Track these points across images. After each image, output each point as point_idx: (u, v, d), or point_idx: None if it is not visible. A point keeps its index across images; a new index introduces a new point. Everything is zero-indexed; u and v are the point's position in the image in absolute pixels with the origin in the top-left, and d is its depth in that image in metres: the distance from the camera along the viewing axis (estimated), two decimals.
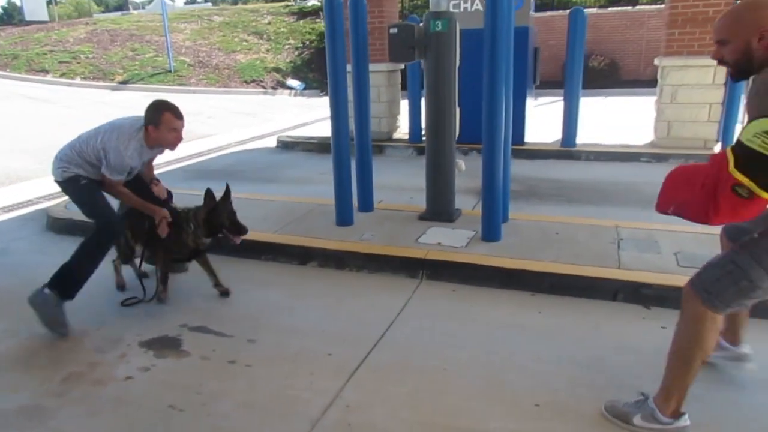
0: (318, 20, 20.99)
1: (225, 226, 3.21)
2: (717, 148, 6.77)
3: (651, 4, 17.31)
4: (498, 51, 3.56)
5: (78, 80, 16.19)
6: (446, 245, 3.84)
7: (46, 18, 25.58)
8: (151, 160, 3.44)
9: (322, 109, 13.10)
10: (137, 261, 3.56)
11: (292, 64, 18.76)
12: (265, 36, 20.48)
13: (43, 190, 6.04)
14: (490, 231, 3.89)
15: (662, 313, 3.06)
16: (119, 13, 31.13)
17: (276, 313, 3.23)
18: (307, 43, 19.85)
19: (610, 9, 17.55)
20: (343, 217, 4.34)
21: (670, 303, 3.10)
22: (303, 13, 22.24)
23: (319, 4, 22.51)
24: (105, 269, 3.59)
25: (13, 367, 2.76)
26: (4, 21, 30.40)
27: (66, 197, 4.40)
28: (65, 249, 4.34)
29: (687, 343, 2.00)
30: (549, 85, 12.24)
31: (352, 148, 4.37)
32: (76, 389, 2.53)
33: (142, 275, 3.57)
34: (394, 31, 4.06)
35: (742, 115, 6.68)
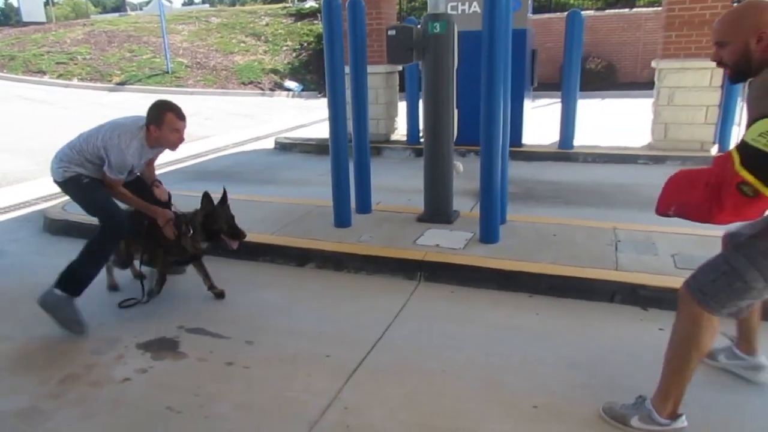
0: (316, 22, 21.01)
1: (223, 231, 3.19)
2: (714, 151, 6.80)
3: (648, 6, 17.39)
4: (496, 53, 3.57)
5: (75, 81, 16.16)
6: (444, 247, 3.84)
7: (43, 19, 25.55)
8: (152, 161, 3.43)
9: (319, 111, 13.11)
10: (135, 263, 3.55)
11: (289, 66, 18.76)
12: (262, 37, 20.48)
13: (40, 191, 6.03)
14: (488, 233, 3.90)
15: (660, 314, 3.07)
16: (117, 14, 31.08)
17: (274, 315, 3.23)
18: (305, 44, 19.86)
19: (607, 11, 17.62)
20: (341, 219, 4.34)
21: (668, 305, 3.10)
22: (301, 15, 22.26)
23: (316, 5, 22.54)
24: (101, 270, 3.59)
25: (9, 368, 2.75)
26: (1, 22, 30.36)
27: (63, 198, 4.38)
28: (62, 250, 4.35)
29: (683, 344, 2.00)
30: (546, 87, 12.26)
31: (350, 150, 4.37)
32: (73, 391, 2.52)
33: (139, 276, 3.56)
34: (392, 32, 4.06)
35: (738, 118, 6.73)
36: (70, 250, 4.30)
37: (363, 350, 2.79)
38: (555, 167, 6.91)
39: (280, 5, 25.25)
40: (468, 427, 2.21)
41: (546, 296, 3.34)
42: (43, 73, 16.51)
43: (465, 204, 4.88)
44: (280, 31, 20.97)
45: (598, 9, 18.03)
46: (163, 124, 3.02)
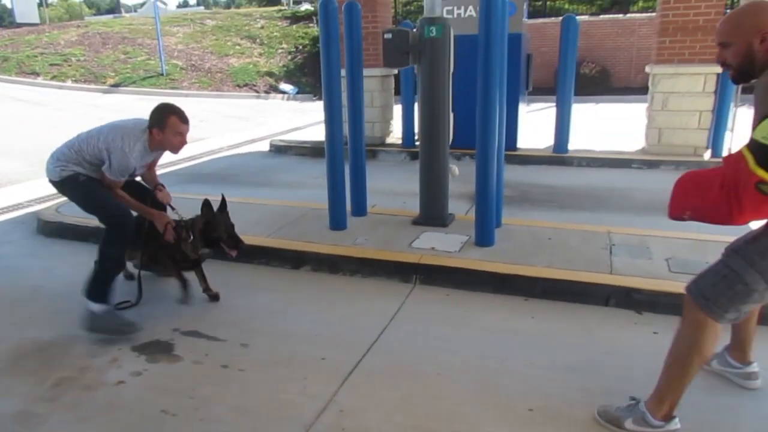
0: (311, 25, 21.03)
1: (222, 239, 3.18)
2: (707, 156, 6.84)
3: (642, 12, 17.50)
4: (492, 57, 3.59)
5: (69, 83, 16.11)
6: (440, 250, 3.84)
7: (36, 20, 25.45)
8: (153, 164, 3.41)
9: (315, 114, 13.10)
10: (128, 264, 3.53)
11: (285, 69, 18.76)
12: (258, 40, 20.48)
13: (33, 193, 6.00)
14: (484, 236, 3.91)
15: (654, 318, 3.08)
16: (111, 15, 31.02)
17: (269, 318, 3.22)
18: (300, 47, 19.87)
19: (601, 16, 17.72)
20: (337, 222, 4.34)
21: (662, 308, 3.13)
22: (296, 18, 22.28)
23: (312, 8, 22.58)
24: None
25: (2, 371, 2.73)
26: None
27: (57, 200, 4.35)
28: (55, 252, 4.35)
29: (686, 349, 2.01)
30: (541, 91, 12.29)
31: (345, 153, 4.37)
32: (68, 394, 2.50)
33: (131, 277, 3.54)
34: (388, 36, 4.07)
35: (731, 123, 6.78)
36: (63, 253, 4.33)
37: (358, 353, 2.79)
38: (550, 171, 6.93)
39: (276, 8, 25.26)
40: (464, 430, 2.21)
41: (541, 299, 3.34)
42: (37, 74, 16.45)
43: (460, 207, 4.89)
44: (275, 33, 20.98)
45: (592, 14, 18.13)
46: (167, 127, 3.00)
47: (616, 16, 17.50)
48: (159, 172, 3.47)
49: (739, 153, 1.68)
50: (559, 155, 7.32)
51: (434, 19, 4.05)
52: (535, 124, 8.99)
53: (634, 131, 8.08)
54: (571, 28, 7.06)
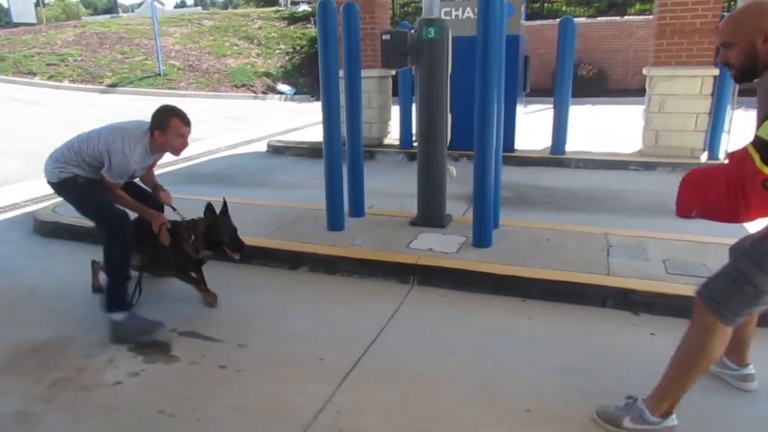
0: (309, 25, 21.03)
1: (225, 243, 3.17)
2: (704, 158, 6.87)
3: (639, 14, 17.55)
4: (490, 58, 3.59)
5: (66, 83, 16.06)
6: (437, 251, 3.85)
7: (33, 20, 25.38)
8: (152, 165, 3.40)
9: (312, 114, 13.10)
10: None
11: (282, 69, 18.76)
12: (255, 41, 20.47)
13: (30, 193, 5.98)
14: (481, 237, 3.91)
15: (651, 319, 3.09)
16: (108, 15, 30.97)
17: (266, 318, 3.22)
18: (298, 48, 19.87)
19: (599, 18, 17.77)
20: (335, 222, 4.34)
21: (659, 310, 3.14)
22: (294, 18, 22.28)
23: (309, 9, 22.57)
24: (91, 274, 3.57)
25: None
26: None
27: (54, 200, 4.33)
28: (52, 252, 4.34)
29: (693, 351, 2.01)
30: (538, 93, 12.33)
31: (343, 154, 4.37)
32: (64, 394, 2.50)
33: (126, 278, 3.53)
34: (386, 37, 4.08)
35: (727, 125, 6.81)
36: (60, 253, 4.32)
37: (356, 353, 2.79)
38: (547, 172, 6.94)
39: (273, 9, 25.26)
40: (461, 431, 2.21)
41: (538, 301, 3.35)
42: (34, 74, 16.40)
43: (458, 208, 4.90)
44: (273, 34, 20.97)
45: (589, 16, 18.18)
46: (168, 129, 2.98)
47: (613, 18, 17.55)
48: (156, 172, 3.47)
49: (744, 150, 1.68)
50: (556, 157, 7.34)
51: (432, 21, 4.06)
52: (532, 126, 9.00)
53: (631, 133, 8.11)
54: (569, 30, 7.08)
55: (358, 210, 4.65)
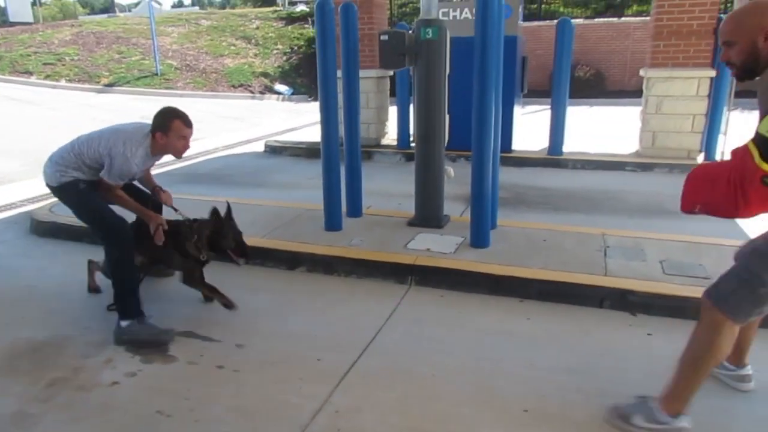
0: (306, 26, 21.02)
1: (230, 247, 3.15)
2: (700, 159, 6.89)
3: (636, 15, 17.60)
4: (488, 59, 3.60)
5: (63, 82, 16.02)
6: (435, 251, 3.85)
7: (30, 19, 25.32)
8: (150, 167, 3.38)
9: (310, 115, 13.10)
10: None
11: (280, 69, 18.74)
12: (253, 41, 20.45)
13: (27, 192, 5.97)
14: (479, 237, 3.92)
15: (648, 320, 3.10)
16: (105, 15, 30.88)
17: (264, 318, 3.21)
18: (296, 48, 19.86)
19: (596, 20, 17.81)
20: (332, 222, 4.34)
21: (656, 310, 3.15)
22: (291, 19, 22.27)
23: (307, 9, 22.57)
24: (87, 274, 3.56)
25: None
26: None
27: (50, 200, 4.31)
28: (49, 252, 4.33)
29: (702, 351, 2.02)
30: (536, 93, 12.36)
31: (341, 154, 4.37)
32: (62, 395, 2.49)
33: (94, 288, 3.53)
34: (385, 38, 4.08)
35: (724, 127, 6.83)
36: (57, 253, 4.31)
37: (354, 354, 2.79)
38: (545, 173, 6.96)
39: (271, 9, 25.25)
40: (459, 431, 2.21)
41: (536, 301, 3.35)
42: (30, 73, 16.35)
43: (456, 209, 4.90)
44: (270, 34, 20.96)
45: (587, 17, 18.23)
46: (170, 131, 2.96)
47: (610, 19, 17.60)
48: (153, 172, 3.45)
49: (745, 147, 1.69)
50: (554, 157, 7.35)
51: (430, 21, 4.06)
52: (530, 127, 9.02)
53: (628, 134, 8.13)
54: (567, 31, 7.10)
55: (355, 210, 4.65)
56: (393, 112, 8.50)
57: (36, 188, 5.85)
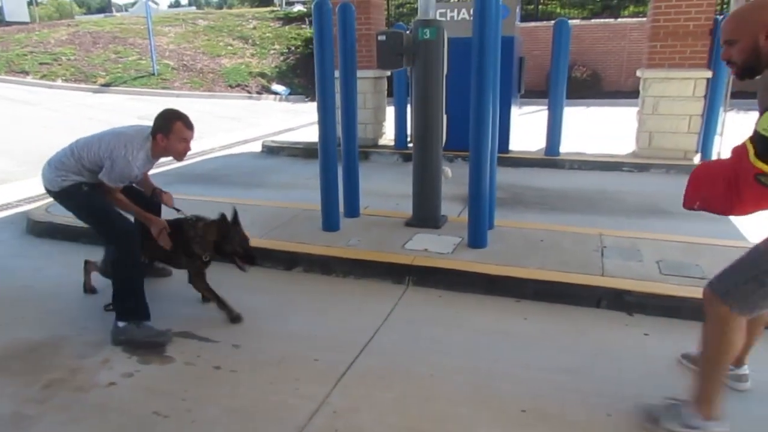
0: (303, 26, 21.01)
1: (238, 254, 3.13)
2: (696, 159, 6.91)
3: (633, 17, 17.64)
4: (486, 59, 3.60)
5: (59, 82, 15.97)
6: (433, 251, 3.85)
7: (26, 19, 25.23)
8: (148, 170, 3.37)
9: (307, 115, 13.09)
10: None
11: (277, 70, 18.73)
12: (250, 41, 20.43)
13: (23, 192, 5.94)
14: (477, 238, 3.92)
15: (644, 320, 3.11)
16: (102, 15, 30.82)
17: (261, 318, 3.21)
18: (293, 48, 19.84)
19: (592, 21, 17.84)
20: (330, 223, 4.34)
21: (653, 310, 3.16)
22: (288, 19, 22.26)
23: (305, 9, 22.56)
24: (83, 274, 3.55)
25: None
26: None
27: (47, 200, 4.29)
28: (45, 253, 4.32)
29: (715, 346, 2.02)
30: (533, 94, 12.37)
31: (338, 154, 4.37)
32: (58, 396, 2.48)
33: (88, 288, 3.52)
34: (382, 38, 4.08)
35: (720, 128, 6.85)
36: (53, 253, 4.30)
37: (351, 354, 2.79)
38: (542, 173, 6.97)
39: (268, 9, 25.24)
40: (457, 431, 2.22)
41: (533, 301, 3.36)
42: (27, 73, 16.29)
43: (453, 209, 4.91)
44: (267, 34, 20.93)
45: (583, 18, 18.25)
46: (171, 133, 2.94)
47: (607, 20, 17.62)
48: (150, 172, 3.44)
49: (743, 144, 1.70)
50: (551, 158, 7.37)
51: (429, 22, 4.06)
52: (527, 127, 9.03)
53: (625, 135, 8.15)
54: (564, 31, 7.12)
55: (353, 210, 4.65)
56: (390, 112, 8.51)
57: (32, 188, 5.83)
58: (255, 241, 4.05)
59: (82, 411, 2.38)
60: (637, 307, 3.19)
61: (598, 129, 10.45)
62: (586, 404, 2.33)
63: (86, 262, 3.53)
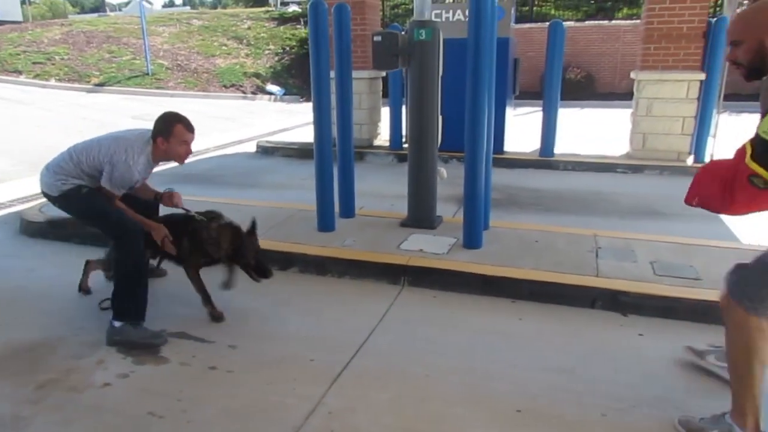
0: (298, 26, 20.99)
1: (251, 266, 3.12)
2: (689, 161, 6.95)
3: (627, 19, 17.74)
4: (481, 60, 3.61)
5: (53, 82, 15.89)
6: (428, 252, 3.86)
7: (20, 18, 25.15)
8: (147, 177, 3.34)
9: (302, 115, 13.08)
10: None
11: (272, 70, 18.70)
12: (244, 41, 20.39)
13: (17, 192, 5.90)
14: (472, 238, 3.93)
15: (639, 320, 3.12)
16: (95, 14, 30.70)
17: (257, 319, 3.21)
18: (288, 48, 19.82)
19: (587, 22, 17.92)
20: (325, 223, 4.34)
21: (647, 311, 3.18)
22: (283, 19, 22.23)
23: (299, 10, 22.54)
24: (82, 273, 3.53)
25: None
26: None
27: (41, 200, 4.26)
28: (39, 252, 4.30)
29: (740, 354, 1.99)
30: (527, 95, 12.41)
31: (333, 154, 4.37)
32: (53, 396, 2.47)
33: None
34: (378, 38, 4.09)
35: (713, 129, 6.90)
36: (47, 253, 4.28)
37: (347, 354, 2.79)
38: (536, 174, 6.99)
39: (263, 9, 25.21)
40: (452, 431, 2.22)
41: (528, 301, 3.37)
42: (19, 72, 16.20)
43: (448, 210, 4.91)
44: (262, 34, 20.90)
45: (578, 20, 18.34)
46: (172, 136, 2.92)
47: (601, 22, 17.72)
48: None
49: (743, 145, 1.71)
50: (545, 159, 7.39)
51: (424, 23, 4.07)
52: (521, 128, 9.05)
53: (619, 136, 8.18)
54: (558, 33, 7.14)
55: (348, 211, 4.65)
56: (385, 113, 8.51)
57: (26, 188, 5.80)
58: None
59: (76, 411, 2.37)
60: (632, 308, 3.21)
61: (593, 130, 10.49)
62: (581, 404, 2.34)
63: (87, 262, 3.50)
